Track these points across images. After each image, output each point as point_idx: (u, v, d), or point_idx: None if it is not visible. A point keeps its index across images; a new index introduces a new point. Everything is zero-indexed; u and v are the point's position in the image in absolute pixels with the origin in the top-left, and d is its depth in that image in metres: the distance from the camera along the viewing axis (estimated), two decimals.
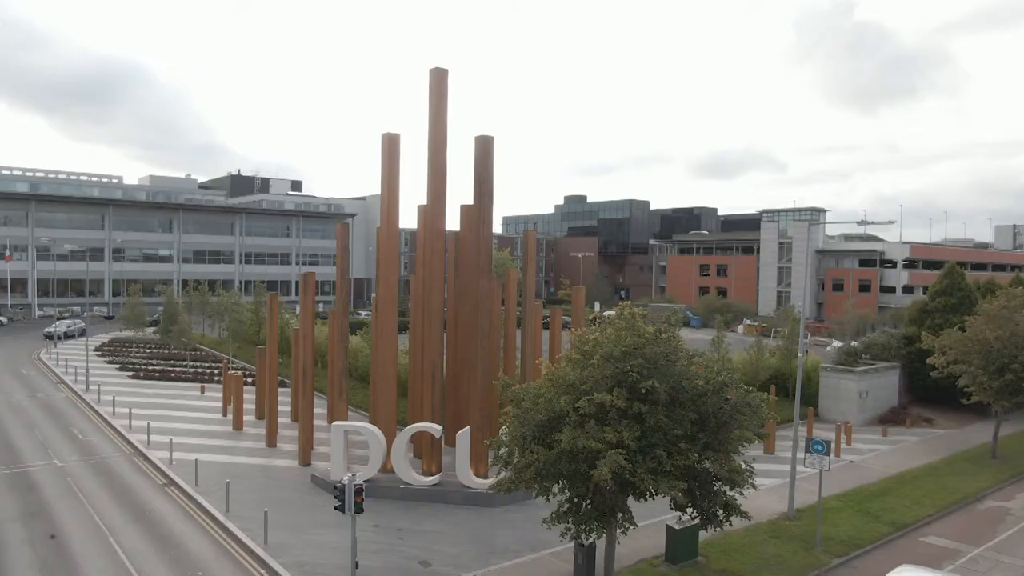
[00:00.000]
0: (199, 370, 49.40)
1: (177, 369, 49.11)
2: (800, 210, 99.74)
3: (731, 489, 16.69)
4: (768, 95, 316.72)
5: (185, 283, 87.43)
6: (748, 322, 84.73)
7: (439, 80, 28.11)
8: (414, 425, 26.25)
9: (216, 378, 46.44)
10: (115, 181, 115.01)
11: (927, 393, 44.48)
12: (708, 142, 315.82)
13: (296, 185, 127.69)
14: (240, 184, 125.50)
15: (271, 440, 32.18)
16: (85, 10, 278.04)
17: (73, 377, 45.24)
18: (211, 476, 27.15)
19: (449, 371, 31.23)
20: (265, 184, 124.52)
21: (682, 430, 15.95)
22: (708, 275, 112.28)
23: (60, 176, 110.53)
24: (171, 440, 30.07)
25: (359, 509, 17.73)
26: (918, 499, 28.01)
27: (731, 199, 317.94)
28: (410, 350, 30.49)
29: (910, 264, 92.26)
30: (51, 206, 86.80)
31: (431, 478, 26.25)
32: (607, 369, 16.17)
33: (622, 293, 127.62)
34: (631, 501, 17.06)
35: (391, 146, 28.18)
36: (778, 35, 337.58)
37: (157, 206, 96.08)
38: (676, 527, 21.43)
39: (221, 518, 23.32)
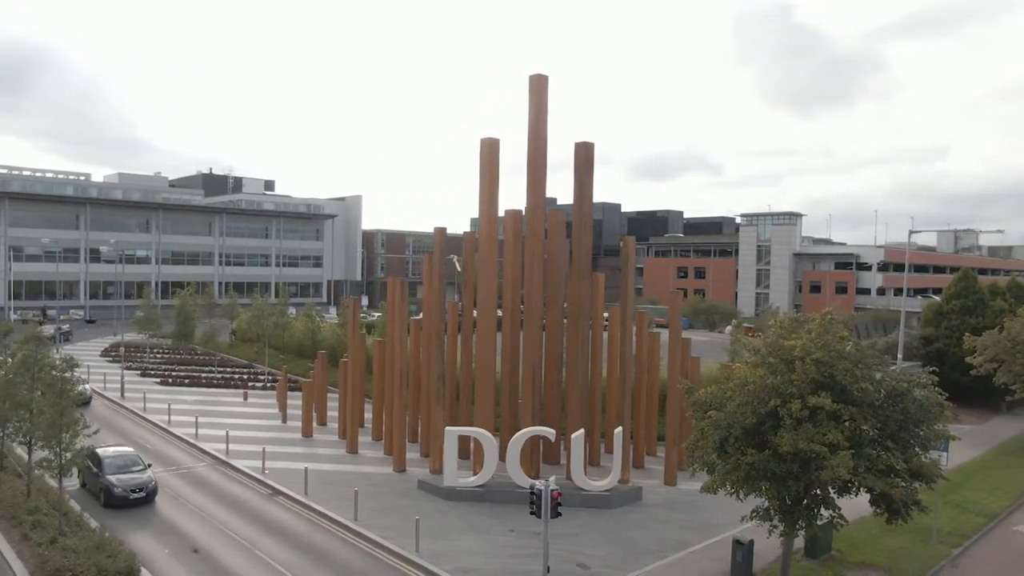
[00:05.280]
0: (225, 375, 48.08)
1: (204, 375, 47.66)
2: (777, 214, 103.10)
3: (922, 484, 17.55)
4: (709, 98, 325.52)
5: (166, 285, 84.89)
6: (736, 322, 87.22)
7: (539, 87, 28.32)
8: (528, 429, 26.37)
9: (251, 384, 45.34)
10: (83, 179, 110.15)
11: (943, 391, 46.86)
12: (647, 144, 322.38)
13: (269, 185, 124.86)
14: (212, 183, 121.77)
15: (352, 447, 31.75)
16: None
17: (101, 384, 43.43)
18: (312, 484, 26.65)
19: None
20: (238, 183, 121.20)
21: (888, 429, 16.75)
22: (686, 277, 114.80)
23: (25, 173, 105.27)
24: (264, 449, 29.40)
25: (556, 514, 17.89)
26: (991, 491, 29.67)
27: (668, 201, 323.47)
28: (501, 354, 30.50)
29: (883, 267, 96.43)
30: (24, 205, 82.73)
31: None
32: (812, 373, 16.78)
33: None
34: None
35: (491, 151, 28.28)
36: (717, 37, 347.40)
37: (135, 205, 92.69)
38: (817, 523, 22.28)
39: (355, 527, 23.01)
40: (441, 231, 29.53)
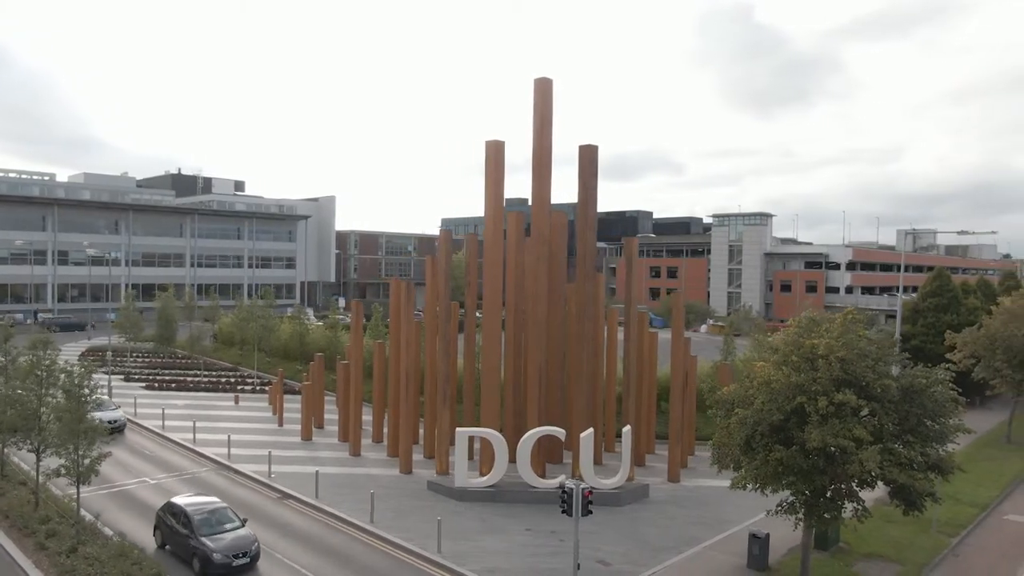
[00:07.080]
0: (211, 379, 47.38)
1: (190, 379, 46.92)
2: (748, 215, 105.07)
3: (937, 476, 18.25)
4: (671, 98, 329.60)
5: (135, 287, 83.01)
6: (712, 322, 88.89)
7: (544, 90, 28.65)
8: (538, 429, 26.63)
9: (240, 387, 44.78)
10: (47, 179, 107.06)
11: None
12: (610, 143, 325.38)
13: (239, 185, 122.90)
14: (181, 184, 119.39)
15: (356, 449, 31.64)
16: None
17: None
18: (320, 487, 26.50)
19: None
20: (208, 184, 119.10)
21: (907, 424, 17.42)
22: (658, 277, 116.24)
23: None
24: (270, 453, 29.16)
25: (587, 512, 18.18)
26: (978, 482, 30.75)
27: (629, 201, 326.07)
28: (504, 354, 30.68)
29: (850, 266, 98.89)
30: None
31: (556, 480, 26.68)
32: (836, 371, 17.34)
33: None
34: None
35: (496, 153, 28.47)
36: (680, 37, 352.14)
37: (103, 206, 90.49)
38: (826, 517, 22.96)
39: (372, 529, 23.03)
40: (447, 233, 29.65)
